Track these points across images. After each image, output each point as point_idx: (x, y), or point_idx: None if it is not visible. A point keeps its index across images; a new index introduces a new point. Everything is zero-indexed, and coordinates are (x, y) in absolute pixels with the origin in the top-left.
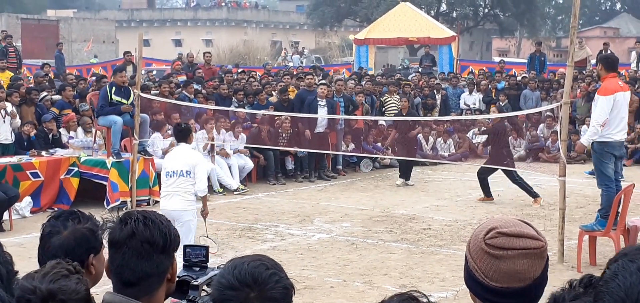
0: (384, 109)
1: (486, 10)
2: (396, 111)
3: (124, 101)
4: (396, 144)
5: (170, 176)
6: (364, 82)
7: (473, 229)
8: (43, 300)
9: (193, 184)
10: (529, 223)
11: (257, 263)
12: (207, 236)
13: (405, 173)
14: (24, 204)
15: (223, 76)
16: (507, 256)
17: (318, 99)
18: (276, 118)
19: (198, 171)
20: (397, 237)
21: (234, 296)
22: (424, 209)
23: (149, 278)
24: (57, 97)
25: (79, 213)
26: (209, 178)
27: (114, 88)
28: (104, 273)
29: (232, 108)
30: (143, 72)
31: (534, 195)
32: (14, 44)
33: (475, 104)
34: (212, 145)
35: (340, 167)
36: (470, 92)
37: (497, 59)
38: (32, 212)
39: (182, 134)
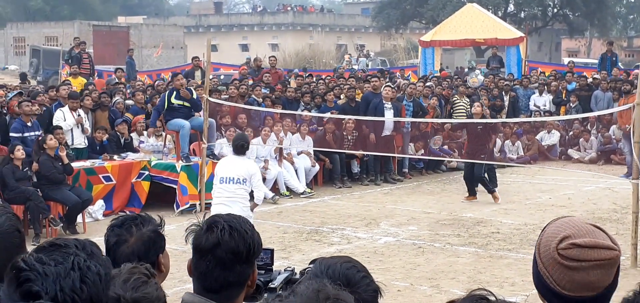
0: (452, 111)
1: (555, 10)
2: (464, 114)
3: (186, 104)
4: (469, 150)
5: (227, 182)
6: (432, 84)
7: None
8: None
9: (248, 191)
10: (602, 229)
11: (350, 265)
12: None
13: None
14: (97, 207)
15: (289, 79)
16: (582, 267)
17: (384, 101)
18: (342, 121)
19: (255, 180)
20: (464, 241)
21: None
22: (492, 212)
23: (231, 287)
24: (130, 102)
25: (140, 218)
26: (276, 181)
27: (174, 93)
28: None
29: (298, 112)
30: (211, 76)
31: (492, 190)
32: (87, 51)
33: (545, 105)
34: (281, 149)
35: (406, 170)
36: (541, 93)
37: (566, 59)
38: (104, 215)
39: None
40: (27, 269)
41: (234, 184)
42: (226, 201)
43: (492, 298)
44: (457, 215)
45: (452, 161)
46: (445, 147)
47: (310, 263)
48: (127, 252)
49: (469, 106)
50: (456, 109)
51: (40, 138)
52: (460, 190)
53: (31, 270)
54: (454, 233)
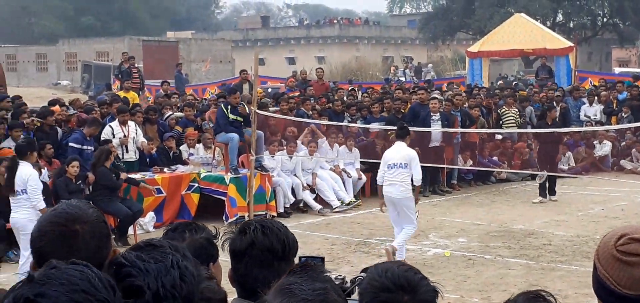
0: (501, 121)
1: (605, 19)
2: (514, 124)
3: (239, 119)
4: (537, 158)
5: (392, 168)
6: (480, 94)
7: (596, 244)
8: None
9: (409, 175)
10: None
11: (407, 267)
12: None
13: (544, 191)
14: (148, 219)
15: (333, 93)
16: None
17: (431, 113)
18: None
19: (414, 164)
20: (515, 253)
21: (388, 298)
22: (544, 224)
23: (271, 285)
24: (180, 114)
25: (194, 225)
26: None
27: (229, 107)
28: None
29: (345, 123)
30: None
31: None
32: (137, 66)
33: (596, 115)
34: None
35: (454, 181)
36: (591, 103)
37: (617, 69)
38: (155, 227)
39: (403, 133)
40: (128, 265)
41: (397, 168)
42: (391, 183)
43: (551, 299)
44: (508, 226)
45: (501, 173)
46: (495, 158)
47: (361, 271)
48: None
49: (518, 116)
50: (505, 119)
51: (111, 144)
52: (510, 202)
53: (132, 266)
54: (505, 245)
